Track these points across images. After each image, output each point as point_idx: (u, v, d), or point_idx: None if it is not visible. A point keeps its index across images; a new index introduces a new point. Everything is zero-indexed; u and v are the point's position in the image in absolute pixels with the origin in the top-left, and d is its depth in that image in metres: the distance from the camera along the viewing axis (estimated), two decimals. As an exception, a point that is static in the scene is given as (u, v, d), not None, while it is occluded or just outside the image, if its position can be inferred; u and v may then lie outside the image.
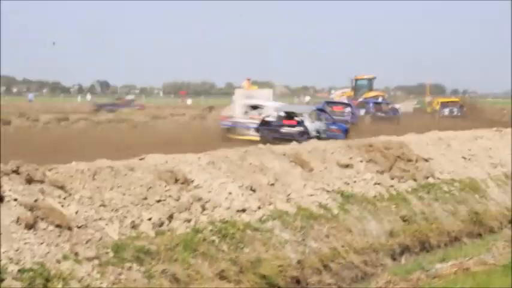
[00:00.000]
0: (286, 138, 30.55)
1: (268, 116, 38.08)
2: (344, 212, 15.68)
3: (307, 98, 73.56)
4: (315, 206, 15.29)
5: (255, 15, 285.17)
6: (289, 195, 15.18)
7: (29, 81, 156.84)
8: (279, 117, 37.40)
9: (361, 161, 18.43)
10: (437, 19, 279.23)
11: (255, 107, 40.22)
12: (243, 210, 13.68)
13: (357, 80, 74.94)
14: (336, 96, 73.39)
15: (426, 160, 20.46)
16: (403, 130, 27.34)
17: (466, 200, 19.23)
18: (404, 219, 16.70)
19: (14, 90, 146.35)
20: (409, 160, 19.80)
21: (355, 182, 17.33)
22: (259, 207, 14.09)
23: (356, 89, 72.32)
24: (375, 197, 17.13)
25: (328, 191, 16.16)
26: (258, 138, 34.27)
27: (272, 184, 15.25)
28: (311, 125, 36.37)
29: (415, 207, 17.57)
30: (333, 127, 38.55)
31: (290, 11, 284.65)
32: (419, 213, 17.33)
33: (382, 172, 18.40)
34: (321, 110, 42.63)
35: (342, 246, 14.29)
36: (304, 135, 34.40)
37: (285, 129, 36.25)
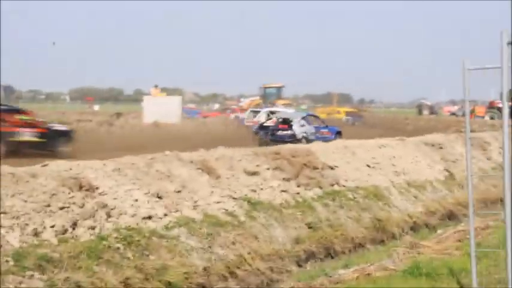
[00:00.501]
0: (280, 140, 37.41)
1: (266, 121, 45.83)
2: (251, 219, 15.75)
3: (216, 106, 73.96)
4: (221, 213, 15.35)
5: (159, 21, 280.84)
6: (196, 202, 15.20)
7: None
8: (277, 122, 44.48)
9: (268, 169, 18.52)
10: (346, 28, 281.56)
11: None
12: (149, 217, 13.65)
13: (265, 88, 75.60)
14: (245, 104, 73.85)
15: (332, 168, 20.66)
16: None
17: (369, 207, 19.49)
18: (309, 226, 16.84)
19: None
20: (315, 168, 19.97)
21: (261, 189, 17.41)
22: (165, 214, 14.10)
23: (265, 97, 72.93)
24: (281, 204, 17.23)
25: (235, 198, 16.22)
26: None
27: (179, 191, 15.25)
28: (299, 129, 42.48)
29: (321, 214, 17.74)
30: (324, 130, 44.28)
31: (196, 18, 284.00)
32: (325, 220, 17.49)
33: (288, 179, 18.51)
34: (313, 115, 48.07)
35: (248, 253, 14.34)
36: (292, 137, 40.47)
37: (279, 133, 42.64)
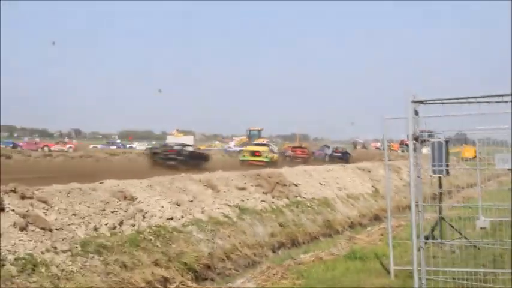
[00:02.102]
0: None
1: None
2: (240, 220, 15.76)
3: (217, 143, 73.76)
4: (220, 215, 15.36)
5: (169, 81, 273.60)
6: (203, 208, 15.22)
7: (24, 128, 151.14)
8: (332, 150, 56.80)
9: (252, 185, 18.59)
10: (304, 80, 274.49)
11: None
12: (171, 219, 13.69)
13: (250, 130, 75.86)
14: (236, 141, 73.84)
15: (296, 185, 20.75)
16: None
17: (321, 212, 19.56)
18: (281, 225, 16.85)
19: (15, 135, 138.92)
20: (284, 185, 20.05)
21: (248, 199, 17.43)
22: (182, 216, 14.12)
23: (250, 136, 73.12)
24: (261, 209, 17.25)
25: (229, 206, 16.24)
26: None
27: (191, 201, 15.28)
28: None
29: (288, 216, 17.79)
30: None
31: (201, 72, 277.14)
32: (291, 221, 17.54)
33: (266, 193, 18.56)
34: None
35: (239, 243, 14.34)
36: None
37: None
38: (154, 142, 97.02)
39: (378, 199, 24.18)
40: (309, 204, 19.72)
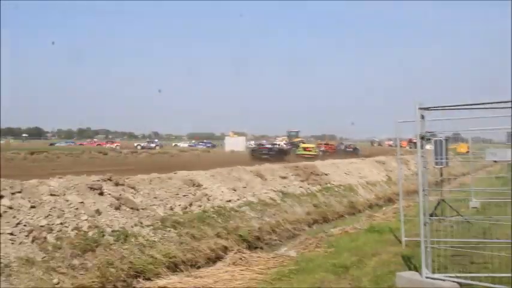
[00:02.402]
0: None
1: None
2: (283, 202, 15.73)
3: (264, 142, 73.74)
4: (267, 198, 15.40)
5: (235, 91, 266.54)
6: (254, 192, 15.29)
7: (117, 131, 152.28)
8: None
9: (292, 175, 18.61)
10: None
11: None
12: (229, 201, 13.82)
13: (290, 131, 75.75)
14: (278, 140, 73.72)
15: (326, 174, 20.67)
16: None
17: (346, 195, 19.41)
18: (314, 206, 16.80)
19: (110, 136, 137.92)
20: (317, 174, 20.01)
21: (289, 186, 17.44)
22: (237, 199, 14.24)
23: (289, 137, 72.99)
24: (299, 194, 17.23)
25: (274, 191, 16.27)
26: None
27: (245, 187, 15.39)
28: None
29: (320, 199, 17.72)
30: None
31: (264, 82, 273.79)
32: (323, 203, 17.46)
33: (303, 181, 18.56)
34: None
35: (282, 220, 14.31)
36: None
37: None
38: (193, 141, 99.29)
39: (391, 185, 23.82)
40: (336, 190, 19.58)
